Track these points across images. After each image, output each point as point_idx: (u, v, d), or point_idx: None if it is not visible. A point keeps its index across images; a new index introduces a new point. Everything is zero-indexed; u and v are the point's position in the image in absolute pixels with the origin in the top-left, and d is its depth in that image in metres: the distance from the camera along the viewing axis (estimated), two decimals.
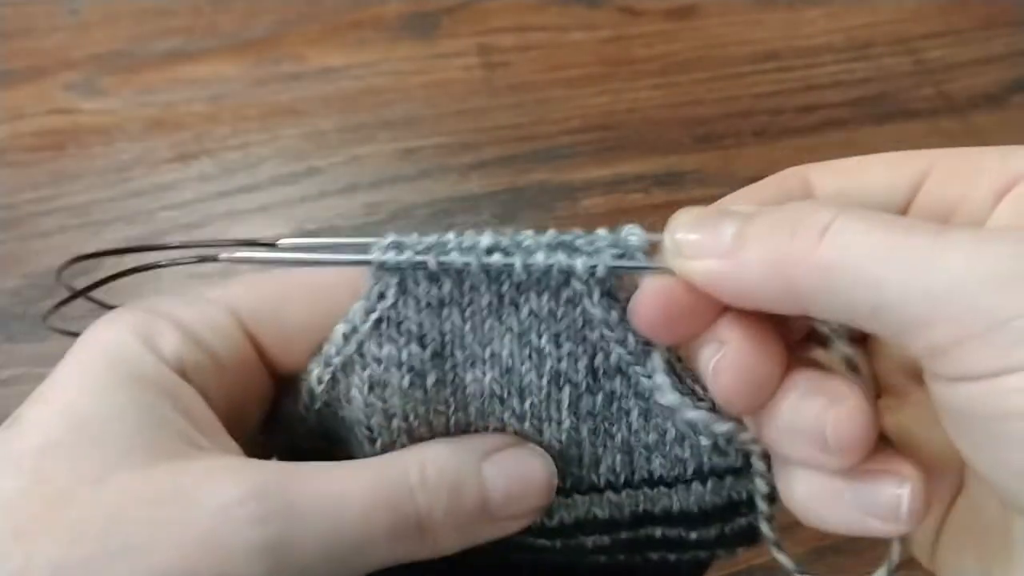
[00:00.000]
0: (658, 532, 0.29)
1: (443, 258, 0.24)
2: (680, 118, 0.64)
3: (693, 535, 0.28)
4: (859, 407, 0.22)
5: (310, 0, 0.69)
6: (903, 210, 0.24)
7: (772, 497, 0.26)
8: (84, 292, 0.27)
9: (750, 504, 0.27)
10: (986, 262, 0.19)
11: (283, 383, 0.28)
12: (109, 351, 0.25)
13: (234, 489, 0.22)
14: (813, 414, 0.22)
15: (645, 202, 0.59)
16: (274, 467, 0.24)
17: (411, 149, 0.62)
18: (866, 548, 0.50)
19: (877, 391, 0.27)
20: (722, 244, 0.22)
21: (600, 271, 0.24)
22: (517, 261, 0.24)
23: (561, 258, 0.24)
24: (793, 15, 0.71)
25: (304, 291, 0.27)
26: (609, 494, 0.28)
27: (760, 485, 0.26)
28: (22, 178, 0.59)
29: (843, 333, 0.23)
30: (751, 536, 0.28)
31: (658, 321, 0.24)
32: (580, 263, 0.24)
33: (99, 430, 0.23)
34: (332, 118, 0.63)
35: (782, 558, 0.27)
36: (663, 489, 0.27)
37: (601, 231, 0.24)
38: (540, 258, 0.24)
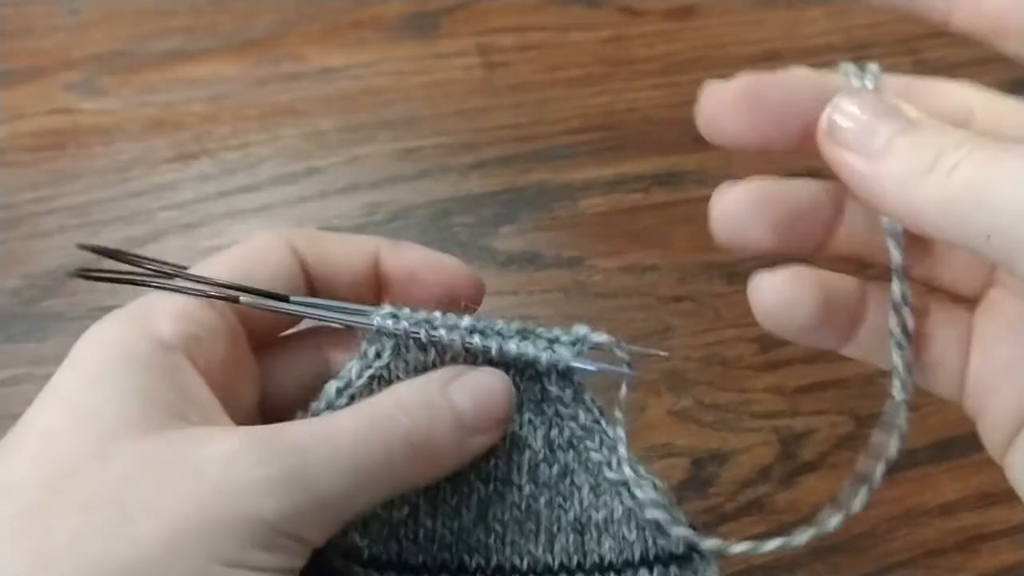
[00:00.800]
0: None
1: (433, 332, 0.28)
2: (680, 118, 0.64)
3: None
4: None
5: (310, 0, 0.69)
6: None
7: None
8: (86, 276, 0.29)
9: None
10: None
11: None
12: (104, 341, 0.26)
13: (233, 441, 0.24)
14: None
15: (645, 202, 0.59)
16: (263, 427, 0.25)
17: (411, 149, 0.62)
18: (867, 548, 0.51)
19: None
20: (869, 146, 0.23)
21: (561, 366, 0.28)
22: (494, 345, 0.28)
23: (530, 349, 0.28)
24: (793, 15, 0.71)
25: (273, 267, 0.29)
26: None
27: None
28: (22, 178, 0.59)
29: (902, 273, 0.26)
30: None
31: (732, 106, 0.26)
32: (545, 357, 0.28)
33: (95, 412, 0.24)
34: (332, 118, 0.63)
35: None
36: None
37: (557, 330, 0.29)
38: (513, 347, 0.28)
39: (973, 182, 0.21)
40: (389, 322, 0.28)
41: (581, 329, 0.29)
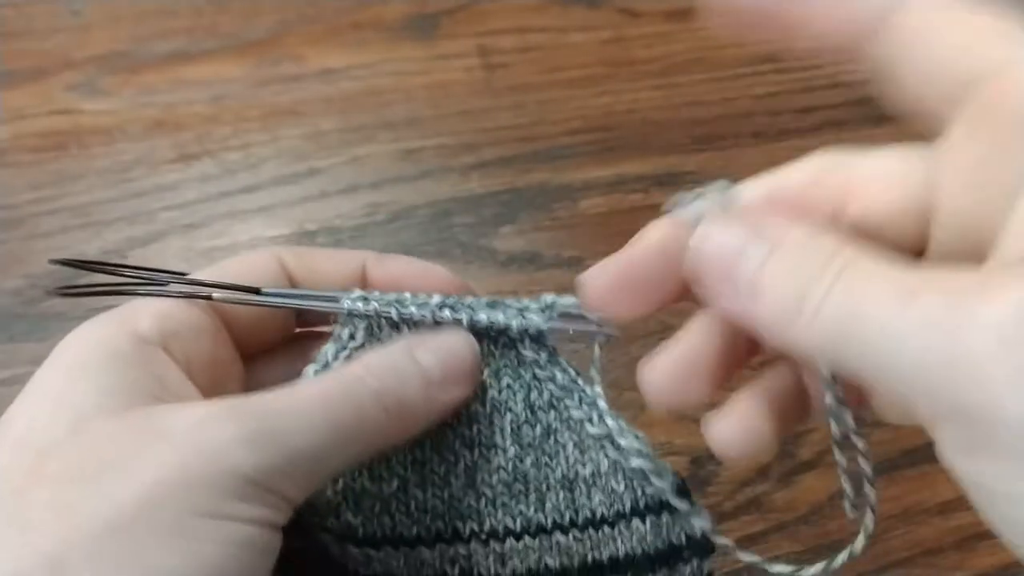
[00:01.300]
0: None
1: (404, 310, 0.29)
2: (680, 119, 0.64)
3: None
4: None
5: (311, 1, 0.69)
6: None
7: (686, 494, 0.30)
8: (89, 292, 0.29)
9: (691, 548, 0.30)
10: (932, 352, 0.18)
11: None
12: (86, 338, 0.27)
13: (203, 408, 0.25)
14: None
15: (645, 202, 0.59)
16: (232, 396, 0.26)
17: (412, 150, 0.62)
18: (865, 546, 0.50)
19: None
20: (739, 288, 0.22)
21: (532, 330, 0.29)
22: (465, 317, 0.29)
23: (500, 317, 0.29)
24: None
25: (260, 279, 0.30)
26: (557, 536, 0.30)
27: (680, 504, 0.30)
28: (24, 178, 0.59)
29: (833, 384, 0.25)
30: None
31: (610, 294, 0.25)
32: (516, 323, 0.29)
33: (72, 400, 0.25)
34: (333, 119, 0.63)
35: (745, 556, 0.29)
36: (607, 530, 0.30)
37: (527, 300, 0.30)
38: (483, 316, 0.29)
39: (842, 320, 0.19)
40: (360, 304, 0.29)
41: (549, 297, 0.30)
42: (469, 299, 0.30)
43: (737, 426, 0.25)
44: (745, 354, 0.26)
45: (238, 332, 0.30)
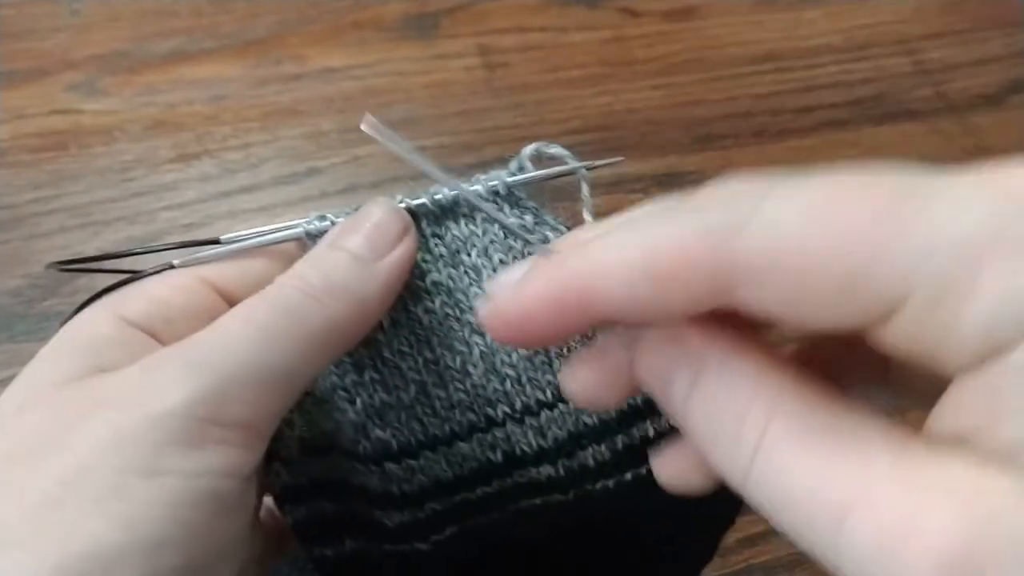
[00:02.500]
0: (650, 429, 0.30)
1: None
2: (680, 118, 0.64)
3: None
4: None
5: (311, 1, 0.69)
6: None
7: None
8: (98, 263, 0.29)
9: None
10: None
11: None
12: (72, 326, 0.27)
13: (136, 367, 0.24)
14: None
15: (645, 202, 0.59)
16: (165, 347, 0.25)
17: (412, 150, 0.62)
18: None
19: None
20: (673, 411, 0.20)
21: (503, 190, 0.28)
22: (427, 199, 0.28)
23: (462, 187, 0.28)
24: (792, 16, 0.71)
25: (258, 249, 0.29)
26: None
27: None
28: (24, 178, 0.59)
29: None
30: None
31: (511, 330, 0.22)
32: (480, 186, 0.28)
33: (29, 377, 0.25)
34: (333, 118, 0.63)
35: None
36: None
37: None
38: (444, 192, 0.28)
39: (771, 497, 0.18)
40: (316, 224, 0.28)
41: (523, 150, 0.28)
42: (435, 188, 0.28)
43: (677, 467, 0.24)
44: None
45: (237, 293, 0.29)
